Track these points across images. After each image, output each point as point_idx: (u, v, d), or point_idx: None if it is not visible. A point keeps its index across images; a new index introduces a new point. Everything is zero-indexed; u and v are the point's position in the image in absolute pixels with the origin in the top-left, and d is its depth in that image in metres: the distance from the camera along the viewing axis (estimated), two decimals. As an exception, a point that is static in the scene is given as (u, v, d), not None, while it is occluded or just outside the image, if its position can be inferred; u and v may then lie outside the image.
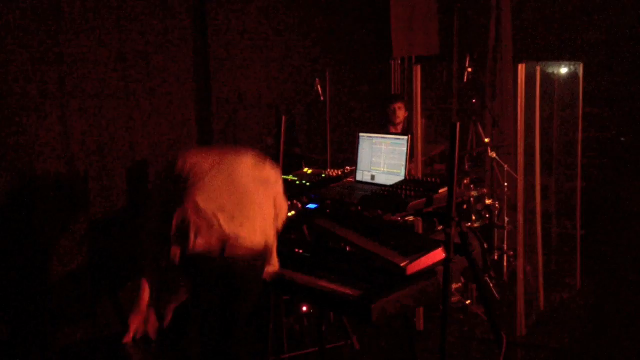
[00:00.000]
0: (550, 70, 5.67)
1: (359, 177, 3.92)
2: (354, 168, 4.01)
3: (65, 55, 4.14)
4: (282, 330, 4.30)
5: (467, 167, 5.60)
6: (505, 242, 5.72)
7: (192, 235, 2.99)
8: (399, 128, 5.83)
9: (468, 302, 5.03)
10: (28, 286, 4.05)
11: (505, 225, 5.65)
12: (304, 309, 4.64)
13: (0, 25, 3.85)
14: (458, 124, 3.02)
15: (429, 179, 3.40)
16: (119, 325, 4.49)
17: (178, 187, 3.07)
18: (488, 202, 5.53)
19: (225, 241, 3.00)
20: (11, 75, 3.91)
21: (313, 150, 5.94)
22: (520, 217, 4.60)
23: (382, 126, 5.86)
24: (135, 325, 3.11)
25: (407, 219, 4.70)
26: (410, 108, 5.40)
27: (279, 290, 3.74)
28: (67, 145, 4.19)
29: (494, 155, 5.57)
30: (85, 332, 4.33)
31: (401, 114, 5.78)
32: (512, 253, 5.61)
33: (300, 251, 3.62)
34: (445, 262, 3.06)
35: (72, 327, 4.28)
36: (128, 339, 3.09)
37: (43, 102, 4.05)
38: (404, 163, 3.62)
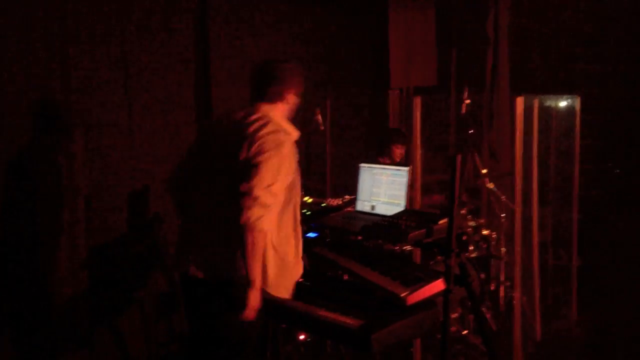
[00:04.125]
0: (547, 103, 5.73)
1: (359, 207, 3.95)
2: (353, 197, 4.04)
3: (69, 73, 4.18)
4: (280, 358, 4.29)
5: (464, 197, 5.63)
6: (502, 273, 5.73)
7: None
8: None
9: (465, 332, 5.03)
10: (25, 313, 4.04)
11: (502, 255, 5.67)
12: (302, 337, 4.64)
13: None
14: (459, 157, 3.06)
15: (428, 210, 3.43)
16: (116, 356, 4.48)
17: None
18: (485, 232, 5.55)
19: None
20: (10, 87, 3.94)
21: (313, 179, 5.97)
22: (518, 248, 4.62)
23: (378, 156, 5.86)
24: None
25: (405, 248, 4.72)
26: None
27: (278, 318, 3.75)
28: (68, 168, 4.21)
29: (491, 186, 5.60)
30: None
31: (402, 153, 5.83)
32: (508, 283, 5.61)
33: (300, 280, 3.63)
34: (445, 293, 3.07)
35: (69, 357, 4.26)
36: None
37: (48, 123, 4.08)
38: (404, 194, 3.66)
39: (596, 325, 5.48)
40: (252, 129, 2.91)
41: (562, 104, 5.93)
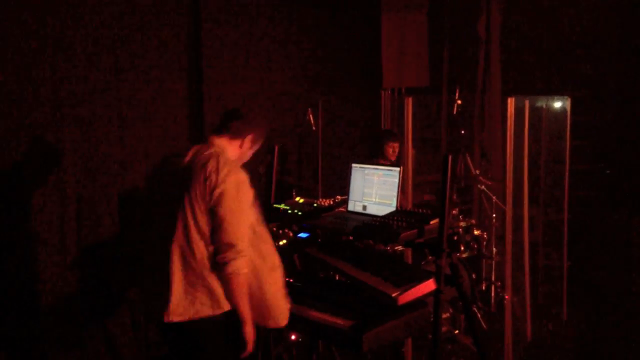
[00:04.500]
0: (538, 103, 5.76)
1: (350, 207, 3.96)
2: (345, 197, 4.04)
3: (60, 79, 4.17)
4: (271, 359, 4.30)
5: (455, 197, 5.65)
6: (493, 273, 5.75)
7: None
8: (388, 162, 5.86)
9: (456, 332, 5.05)
10: (16, 314, 4.03)
11: (493, 256, 5.70)
12: (293, 337, 4.64)
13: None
14: (450, 157, 3.07)
15: (420, 210, 3.44)
16: (107, 357, 4.47)
17: None
18: (476, 232, 5.57)
19: None
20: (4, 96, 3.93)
21: (304, 179, 5.98)
22: (508, 248, 4.64)
23: (372, 157, 5.87)
24: None
25: (397, 248, 4.74)
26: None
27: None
28: (58, 168, 4.20)
29: (482, 186, 5.63)
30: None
31: (396, 151, 5.82)
32: (499, 284, 5.64)
33: (291, 280, 3.63)
34: (436, 293, 3.08)
35: (60, 357, 4.25)
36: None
37: (36, 123, 4.07)
38: (395, 194, 3.66)
39: (586, 325, 5.51)
40: (209, 167, 2.93)
41: (553, 104, 5.96)
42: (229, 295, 2.95)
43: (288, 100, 5.87)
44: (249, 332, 2.99)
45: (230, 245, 2.88)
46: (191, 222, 2.92)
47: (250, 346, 3.03)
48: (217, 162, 2.95)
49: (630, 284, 6.08)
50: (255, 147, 3.30)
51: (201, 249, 2.94)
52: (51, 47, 4.10)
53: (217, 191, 2.89)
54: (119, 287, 4.54)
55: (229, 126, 3.15)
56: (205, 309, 2.97)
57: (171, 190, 3.02)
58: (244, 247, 2.93)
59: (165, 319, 2.95)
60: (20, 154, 3.99)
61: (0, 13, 3.87)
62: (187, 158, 3.03)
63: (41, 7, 4.04)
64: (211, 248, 2.94)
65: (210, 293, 2.96)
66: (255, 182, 4.20)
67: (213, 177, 2.91)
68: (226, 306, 2.99)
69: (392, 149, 5.76)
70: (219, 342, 3.08)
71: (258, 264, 3.06)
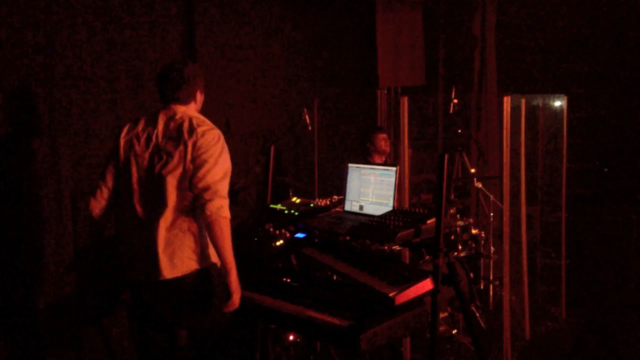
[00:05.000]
0: (535, 102, 5.75)
1: (347, 207, 3.95)
2: (341, 197, 4.03)
3: (57, 77, 4.15)
4: (269, 359, 4.29)
5: (452, 196, 5.64)
6: (491, 272, 5.75)
7: None
8: (384, 158, 5.85)
9: (454, 331, 5.04)
10: (12, 314, 4.02)
11: (491, 254, 5.69)
12: (291, 338, 4.63)
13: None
14: (447, 156, 3.06)
15: (417, 209, 3.43)
16: (104, 357, 4.46)
17: None
18: (474, 231, 5.56)
19: None
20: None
21: (301, 179, 5.96)
22: (506, 247, 4.64)
23: (365, 156, 5.84)
24: None
25: (394, 248, 4.73)
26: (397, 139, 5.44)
27: (266, 319, 3.74)
28: (55, 170, 4.18)
29: (479, 185, 5.62)
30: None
31: (387, 142, 5.81)
32: (497, 282, 5.64)
33: (288, 280, 3.62)
34: (433, 293, 3.08)
35: (58, 357, 4.23)
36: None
37: (31, 123, 4.05)
38: (392, 194, 3.65)
39: (585, 324, 5.51)
40: (184, 129, 3.10)
41: (550, 103, 5.96)
42: (212, 240, 3.02)
43: (283, 100, 5.86)
44: (234, 280, 3.07)
45: (208, 188, 2.98)
46: (173, 182, 3.05)
47: (236, 297, 3.09)
48: (191, 121, 3.12)
49: (628, 282, 6.08)
50: (203, 92, 3.41)
51: (184, 204, 3.06)
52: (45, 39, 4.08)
53: (197, 146, 3.04)
54: (117, 288, 4.52)
55: (178, 97, 3.24)
56: (192, 263, 3.09)
57: (148, 156, 3.16)
58: (224, 192, 3.01)
59: (155, 278, 3.07)
60: (15, 154, 3.97)
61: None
62: (159, 126, 3.18)
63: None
64: (192, 196, 3.05)
65: (196, 246, 3.10)
66: (251, 182, 4.22)
67: (193, 134, 3.07)
68: (212, 259, 3.14)
69: (384, 141, 5.74)
70: (205, 297, 3.17)
71: None
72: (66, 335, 4.26)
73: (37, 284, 4.11)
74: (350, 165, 4.02)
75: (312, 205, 4.03)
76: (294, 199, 4.30)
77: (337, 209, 4.00)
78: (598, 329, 5.39)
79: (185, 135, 3.08)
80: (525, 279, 5.07)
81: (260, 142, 5.54)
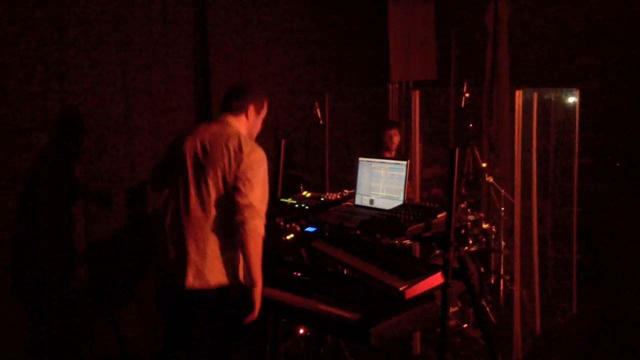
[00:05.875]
0: (547, 96, 5.72)
1: (357, 201, 3.95)
2: (352, 191, 4.04)
3: (67, 77, 4.17)
4: (280, 353, 4.30)
5: (463, 191, 5.64)
6: (502, 267, 5.74)
7: None
8: (394, 153, 5.88)
9: (465, 325, 5.04)
10: (25, 309, 4.04)
11: (502, 249, 5.68)
12: (301, 331, 4.65)
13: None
14: (457, 150, 3.06)
15: (427, 203, 3.43)
16: (116, 350, 4.49)
17: None
18: (485, 226, 5.56)
19: None
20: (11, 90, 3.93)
21: (311, 173, 5.97)
22: (517, 242, 4.62)
23: (378, 150, 5.90)
24: None
25: (404, 242, 4.73)
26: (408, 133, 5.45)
27: (277, 313, 3.76)
28: (67, 164, 4.20)
29: (490, 179, 5.61)
30: (83, 355, 4.31)
31: (396, 140, 5.84)
32: (508, 277, 5.63)
33: (299, 274, 3.63)
34: (443, 287, 3.08)
35: (69, 350, 4.26)
36: None
37: (44, 119, 4.07)
38: (402, 187, 3.65)
39: (596, 319, 5.49)
40: (232, 145, 3.20)
41: (562, 97, 5.92)
42: (245, 254, 3.11)
43: (295, 93, 5.86)
44: (258, 294, 3.15)
45: (250, 206, 3.08)
46: (212, 195, 3.17)
47: (257, 309, 3.17)
48: (239, 140, 3.21)
49: (639, 277, 6.05)
50: (262, 114, 3.54)
51: (219, 218, 3.17)
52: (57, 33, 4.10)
53: (243, 165, 3.14)
54: (128, 282, 4.55)
55: (230, 106, 3.40)
56: (221, 277, 3.17)
57: (188, 166, 3.26)
58: (263, 211, 3.13)
59: (186, 286, 3.14)
60: (27, 150, 3.99)
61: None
62: (203, 136, 3.28)
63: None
64: (228, 214, 3.14)
65: (227, 263, 3.19)
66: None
67: (238, 153, 3.17)
68: (240, 277, 3.23)
69: (390, 136, 5.78)
70: (228, 310, 3.25)
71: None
72: (79, 329, 4.28)
73: (50, 277, 4.13)
74: (360, 159, 4.02)
75: (322, 199, 4.04)
76: (304, 192, 4.30)
77: (347, 202, 4.01)
78: (609, 324, 5.37)
79: (232, 150, 3.18)
80: (536, 273, 5.05)
81: (272, 136, 5.55)
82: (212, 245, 3.17)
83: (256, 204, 3.10)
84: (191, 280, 3.14)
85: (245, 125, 3.42)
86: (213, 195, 3.17)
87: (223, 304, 3.22)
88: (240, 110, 3.40)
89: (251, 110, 3.42)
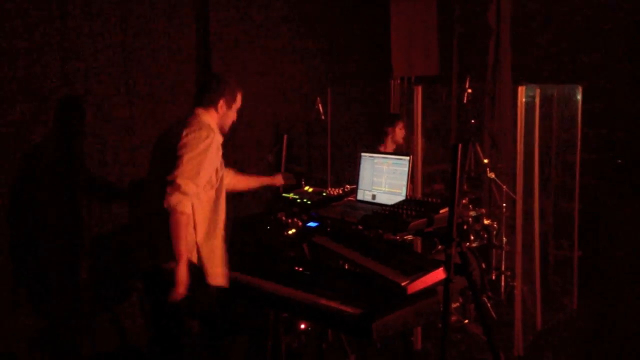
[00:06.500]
0: (549, 92, 5.71)
1: (359, 196, 3.94)
2: (354, 187, 4.03)
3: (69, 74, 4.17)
4: (281, 348, 4.30)
5: (465, 187, 5.64)
6: (503, 263, 5.74)
7: None
8: (394, 147, 5.81)
9: (466, 321, 5.04)
10: (27, 302, 4.05)
11: (503, 245, 5.68)
12: (302, 326, 4.64)
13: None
14: (460, 146, 3.05)
15: (429, 199, 3.42)
16: (117, 343, 4.50)
17: None
18: (486, 222, 5.56)
19: None
20: (10, 80, 3.93)
21: (314, 168, 5.97)
22: (519, 238, 4.62)
23: (379, 142, 5.82)
24: None
25: (406, 237, 4.73)
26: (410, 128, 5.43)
27: (278, 307, 3.76)
28: (69, 161, 4.21)
29: (492, 175, 5.61)
30: (85, 348, 4.32)
31: (403, 133, 5.78)
32: (509, 273, 5.63)
33: (300, 269, 3.63)
34: (445, 282, 3.08)
35: (71, 344, 4.27)
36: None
37: (46, 114, 4.07)
38: (405, 183, 3.65)
39: (597, 315, 5.49)
40: (184, 128, 3.27)
41: (565, 93, 5.91)
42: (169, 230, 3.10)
43: (297, 89, 5.86)
44: (180, 271, 3.12)
45: (172, 182, 3.08)
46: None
47: (180, 286, 3.12)
48: (189, 122, 3.30)
49: (640, 273, 6.06)
50: (235, 107, 3.55)
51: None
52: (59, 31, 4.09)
53: (179, 144, 3.18)
54: (129, 275, 4.55)
55: (201, 99, 3.46)
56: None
57: (157, 152, 3.42)
58: (187, 187, 3.09)
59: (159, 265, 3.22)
60: (31, 145, 3.99)
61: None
62: (173, 131, 3.34)
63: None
64: None
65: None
66: (264, 170, 4.23)
67: (183, 131, 3.23)
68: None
69: (404, 131, 5.72)
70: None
71: (210, 217, 3.32)
72: (80, 321, 4.29)
73: (52, 271, 4.14)
74: (363, 154, 4.01)
75: (324, 194, 4.03)
76: (306, 187, 4.30)
77: (349, 198, 4.00)
78: (610, 320, 5.38)
79: (181, 135, 3.23)
80: (538, 269, 5.06)
81: (273, 131, 5.55)
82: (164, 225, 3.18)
83: (179, 180, 3.08)
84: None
85: (214, 117, 3.45)
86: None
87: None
88: (210, 103, 3.44)
89: (222, 103, 3.46)
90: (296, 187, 4.35)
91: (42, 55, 4.02)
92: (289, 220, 4.06)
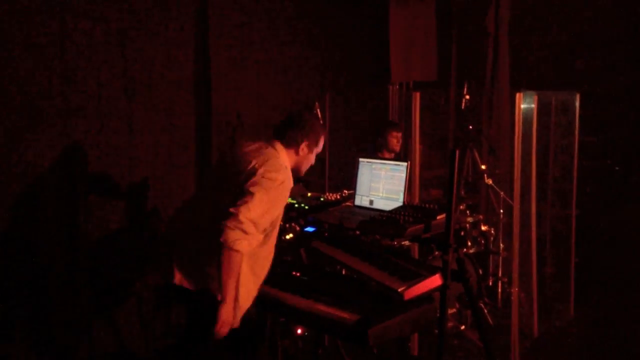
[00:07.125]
0: (547, 98, 5.72)
1: (357, 202, 3.95)
2: (352, 192, 4.04)
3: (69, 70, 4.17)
4: (277, 352, 4.30)
5: (463, 193, 5.64)
6: (500, 269, 5.74)
7: None
8: (393, 155, 5.84)
9: (463, 327, 5.04)
10: (24, 307, 4.04)
11: (501, 251, 5.68)
12: (299, 331, 4.64)
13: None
14: (457, 152, 3.06)
15: (427, 205, 3.43)
16: (115, 348, 4.49)
17: None
18: (483, 228, 5.56)
19: None
20: (10, 84, 3.92)
21: (311, 173, 5.96)
22: (516, 244, 4.63)
23: (376, 151, 5.84)
24: None
25: (403, 243, 4.73)
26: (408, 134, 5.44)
27: (275, 312, 3.76)
28: (67, 164, 4.20)
29: (490, 182, 5.61)
30: (82, 352, 4.32)
31: (400, 140, 5.81)
32: (506, 279, 5.63)
33: (297, 274, 3.63)
34: (442, 288, 3.08)
35: (68, 350, 4.27)
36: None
37: (48, 118, 4.07)
38: (402, 189, 3.66)
39: (593, 322, 5.49)
40: (260, 159, 3.08)
41: (562, 100, 5.93)
42: (218, 265, 2.90)
43: (295, 93, 5.86)
44: (225, 312, 2.93)
45: (235, 217, 2.85)
46: (221, 203, 3.00)
47: (221, 327, 2.96)
48: (266, 158, 3.09)
49: (637, 280, 6.05)
50: (316, 151, 3.40)
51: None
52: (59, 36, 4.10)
53: (252, 180, 2.97)
54: (127, 281, 4.55)
55: (284, 135, 3.28)
56: (210, 282, 3.03)
57: (219, 171, 3.30)
58: (248, 227, 2.87)
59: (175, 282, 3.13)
60: (28, 149, 3.99)
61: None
62: (246, 149, 3.19)
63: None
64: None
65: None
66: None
67: (256, 166, 3.03)
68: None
69: (395, 139, 5.74)
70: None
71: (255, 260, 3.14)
72: (77, 326, 4.29)
73: (49, 275, 4.13)
74: (361, 159, 4.02)
75: (322, 199, 4.04)
76: (308, 194, 4.30)
77: (347, 203, 4.01)
78: (606, 327, 5.38)
79: (253, 165, 3.05)
80: (534, 276, 5.06)
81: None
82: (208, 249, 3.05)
83: (243, 218, 2.86)
84: (180, 279, 3.18)
85: (293, 159, 3.30)
86: (222, 204, 2.99)
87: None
88: (292, 143, 3.27)
89: (304, 146, 3.30)
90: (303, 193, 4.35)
91: (42, 60, 4.02)
92: (286, 225, 4.06)
